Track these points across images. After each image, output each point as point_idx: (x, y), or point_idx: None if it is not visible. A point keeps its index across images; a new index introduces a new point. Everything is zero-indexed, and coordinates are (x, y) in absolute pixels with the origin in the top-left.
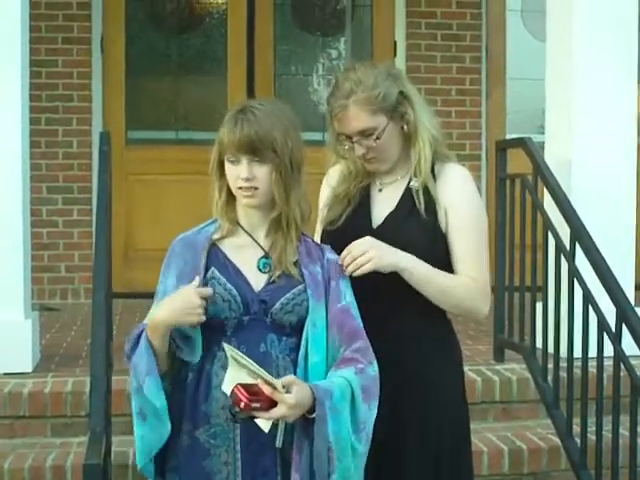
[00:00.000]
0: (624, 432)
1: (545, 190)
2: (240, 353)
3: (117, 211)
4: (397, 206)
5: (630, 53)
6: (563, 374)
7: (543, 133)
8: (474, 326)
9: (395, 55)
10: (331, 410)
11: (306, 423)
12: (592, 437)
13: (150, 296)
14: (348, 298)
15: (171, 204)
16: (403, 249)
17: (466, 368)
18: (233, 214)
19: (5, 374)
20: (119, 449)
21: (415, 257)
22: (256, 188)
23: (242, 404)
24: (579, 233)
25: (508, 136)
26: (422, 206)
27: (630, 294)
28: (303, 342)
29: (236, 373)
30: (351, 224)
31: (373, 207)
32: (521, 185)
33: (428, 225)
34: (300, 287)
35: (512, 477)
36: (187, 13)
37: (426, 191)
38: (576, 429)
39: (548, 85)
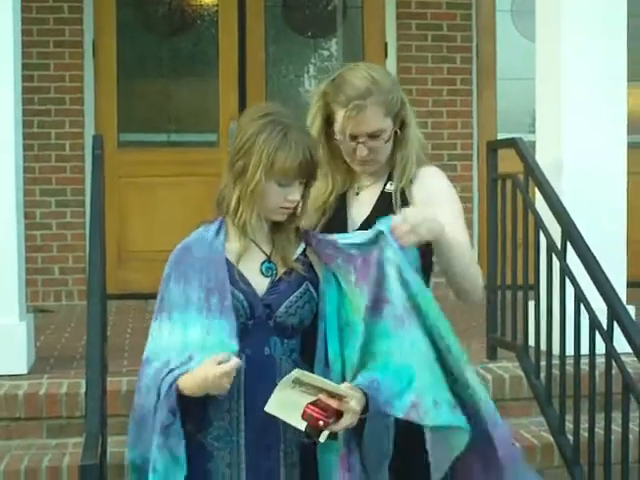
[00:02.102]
0: (616, 429)
1: (536, 189)
2: (307, 373)
3: (110, 213)
4: (372, 210)
5: (619, 52)
6: (555, 372)
7: (534, 132)
8: (466, 325)
9: (386, 56)
10: (381, 389)
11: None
12: (585, 434)
13: (143, 297)
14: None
15: (163, 206)
16: None
17: None
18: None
19: (0, 376)
20: (115, 449)
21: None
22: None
23: (321, 423)
24: (570, 232)
25: (499, 135)
26: (398, 210)
27: (622, 292)
28: (320, 337)
29: (285, 393)
30: (328, 230)
31: (350, 211)
32: (512, 185)
33: None
34: (302, 288)
35: None
36: (178, 16)
37: (402, 194)
38: (569, 426)
39: (538, 85)
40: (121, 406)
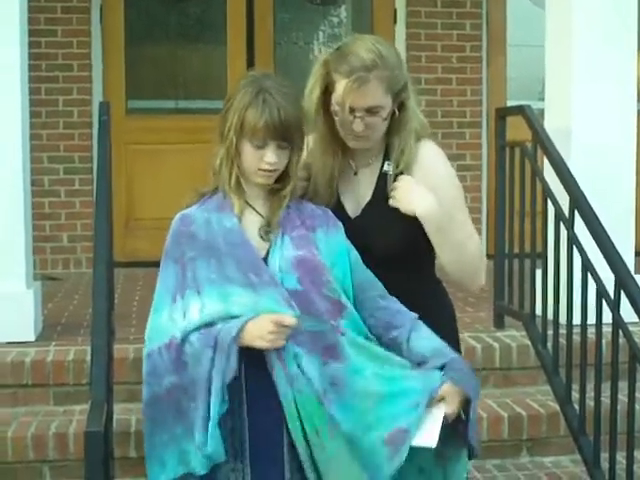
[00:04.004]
0: (622, 398)
1: (544, 157)
2: None
3: (117, 181)
4: (373, 196)
5: (629, 20)
6: (562, 341)
7: (543, 100)
8: (475, 293)
9: (395, 22)
10: None
11: None
12: (591, 403)
13: (151, 265)
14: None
15: (171, 173)
16: (382, 245)
17: (466, 335)
18: (242, 191)
19: (8, 343)
20: (121, 417)
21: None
22: (276, 170)
23: None
24: (578, 201)
25: (509, 103)
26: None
27: (629, 261)
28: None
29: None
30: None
31: (350, 193)
32: (520, 153)
33: (404, 216)
34: None
35: (511, 443)
36: None
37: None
38: (575, 395)
39: (548, 52)
40: (128, 373)
